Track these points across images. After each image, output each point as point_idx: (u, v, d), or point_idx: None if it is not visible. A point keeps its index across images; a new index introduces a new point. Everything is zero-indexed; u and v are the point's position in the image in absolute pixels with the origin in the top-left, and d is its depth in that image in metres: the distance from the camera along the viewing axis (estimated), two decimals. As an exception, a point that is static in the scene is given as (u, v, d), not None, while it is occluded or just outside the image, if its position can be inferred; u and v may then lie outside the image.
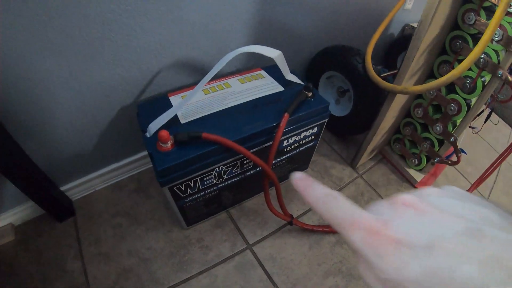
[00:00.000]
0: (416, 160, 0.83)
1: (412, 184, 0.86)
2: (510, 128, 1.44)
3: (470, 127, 0.89)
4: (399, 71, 0.63)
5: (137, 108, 0.58)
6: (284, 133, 0.57)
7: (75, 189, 0.73)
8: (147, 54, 0.58)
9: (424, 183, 0.86)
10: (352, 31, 0.93)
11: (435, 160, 0.78)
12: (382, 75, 0.82)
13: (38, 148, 0.59)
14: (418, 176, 0.85)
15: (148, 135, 0.52)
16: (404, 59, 0.62)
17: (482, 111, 0.86)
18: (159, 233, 0.67)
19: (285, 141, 0.60)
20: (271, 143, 0.54)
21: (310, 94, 0.59)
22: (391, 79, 0.77)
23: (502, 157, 0.79)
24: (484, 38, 0.49)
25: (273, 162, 0.63)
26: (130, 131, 0.69)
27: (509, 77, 0.61)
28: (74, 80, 0.53)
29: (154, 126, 0.52)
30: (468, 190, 0.86)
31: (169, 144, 0.49)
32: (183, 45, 0.61)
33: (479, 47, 0.50)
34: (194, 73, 0.68)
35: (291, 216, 0.66)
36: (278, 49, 0.56)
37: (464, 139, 1.18)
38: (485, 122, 0.90)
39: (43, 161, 0.61)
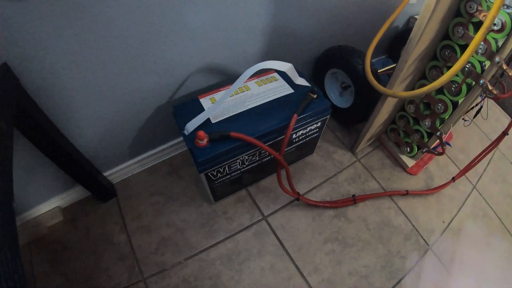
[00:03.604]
0: (408, 148, 1.08)
1: (404, 168, 1.12)
2: (510, 118, 1.65)
3: (462, 119, 1.12)
4: (391, 77, 0.86)
5: (173, 110, 0.81)
6: (293, 129, 0.81)
7: (116, 173, 0.99)
8: (179, 64, 0.80)
9: (414, 168, 1.12)
10: (355, 31, 1.12)
11: (424, 150, 1.03)
12: (379, 71, 1.04)
13: (85, 142, 0.82)
14: (410, 162, 1.11)
15: (186, 133, 0.76)
16: (395, 67, 0.84)
17: (477, 104, 1.08)
18: (191, 208, 0.95)
19: (294, 134, 0.85)
20: (283, 137, 0.79)
21: (315, 96, 0.83)
22: (387, 77, 0.99)
23: (489, 149, 1.03)
24: (456, 66, 0.66)
25: (284, 151, 0.88)
26: (163, 124, 0.94)
27: (489, 86, 0.82)
28: (117, 87, 0.74)
29: (190, 126, 0.76)
30: (455, 176, 1.11)
31: (205, 141, 0.73)
32: (208, 55, 0.83)
33: (454, 69, 0.66)
34: (219, 76, 0.91)
35: (298, 193, 0.93)
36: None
37: (460, 128, 1.40)
38: (474, 117, 1.12)
39: (90, 152, 0.86)
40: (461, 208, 1.15)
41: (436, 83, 0.72)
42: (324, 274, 0.88)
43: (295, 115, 0.77)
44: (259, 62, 0.80)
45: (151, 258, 0.88)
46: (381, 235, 0.97)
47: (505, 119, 1.57)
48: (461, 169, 1.21)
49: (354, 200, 0.98)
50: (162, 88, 0.84)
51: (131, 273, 0.86)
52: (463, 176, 1.22)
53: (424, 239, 1.01)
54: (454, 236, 1.06)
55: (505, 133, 1.00)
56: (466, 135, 1.39)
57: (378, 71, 1.10)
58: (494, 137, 1.56)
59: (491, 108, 1.61)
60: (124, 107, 0.81)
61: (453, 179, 1.12)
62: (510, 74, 0.78)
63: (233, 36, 0.83)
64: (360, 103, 1.01)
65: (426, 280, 0.93)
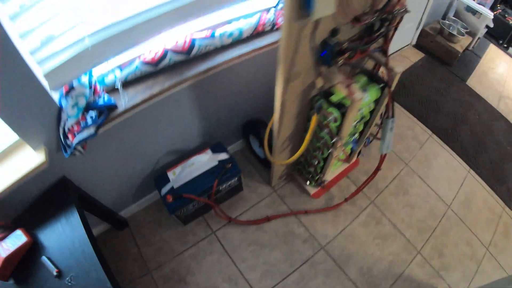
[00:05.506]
0: (308, 182, 1.76)
1: (309, 194, 1.80)
2: (428, 131, 2.21)
3: (359, 152, 1.77)
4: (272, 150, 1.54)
5: (154, 181, 1.58)
6: (217, 186, 1.54)
7: (125, 212, 1.79)
8: (152, 154, 1.56)
9: (317, 193, 1.80)
10: (266, 105, 1.81)
11: (315, 184, 1.71)
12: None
13: (106, 198, 1.61)
14: (312, 190, 1.79)
15: (162, 195, 1.53)
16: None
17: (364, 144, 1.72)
18: (172, 230, 1.73)
19: (220, 187, 1.58)
20: (211, 192, 1.52)
21: (229, 165, 1.54)
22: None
23: (368, 181, 1.67)
24: (299, 152, 1.37)
25: (215, 197, 1.63)
26: (148, 184, 1.71)
27: (335, 153, 1.48)
28: (120, 173, 1.53)
29: (164, 191, 1.52)
30: (347, 197, 1.78)
31: (171, 199, 1.49)
32: (168, 146, 1.58)
33: (297, 153, 1.38)
34: (176, 154, 1.66)
35: (230, 217, 1.68)
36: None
37: (371, 151, 2.00)
38: (358, 156, 1.77)
39: (109, 203, 1.64)
40: (354, 219, 1.81)
41: (291, 159, 1.41)
42: (249, 263, 1.63)
43: (216, 181, 1.50)
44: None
45: (153, 259, 1.68)
46: (286, 240, 1.69)
47: (423, 136, 2.17)
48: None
49: (268, 219, 1.70)
50: (145, 168, 1.61)
51: (142, 269, 1.66)
52: (362, 193, 1.87)
53: (318, 242, 1.71)
54: (346, 239, 1.73)
55: (378, 169, 1.63)
56: (376, 158, 2.00)
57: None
58: (406, 156, 2.15)
59: (410, 127, 2.22)
60: (126, 180, 1.60)
61: (346, 199, 1.79)
62: (343, 150, 1.44)
63: (182, 132, 1.57)
64: (270, 158, 1.71)
65: (317, 267, 1.64)
